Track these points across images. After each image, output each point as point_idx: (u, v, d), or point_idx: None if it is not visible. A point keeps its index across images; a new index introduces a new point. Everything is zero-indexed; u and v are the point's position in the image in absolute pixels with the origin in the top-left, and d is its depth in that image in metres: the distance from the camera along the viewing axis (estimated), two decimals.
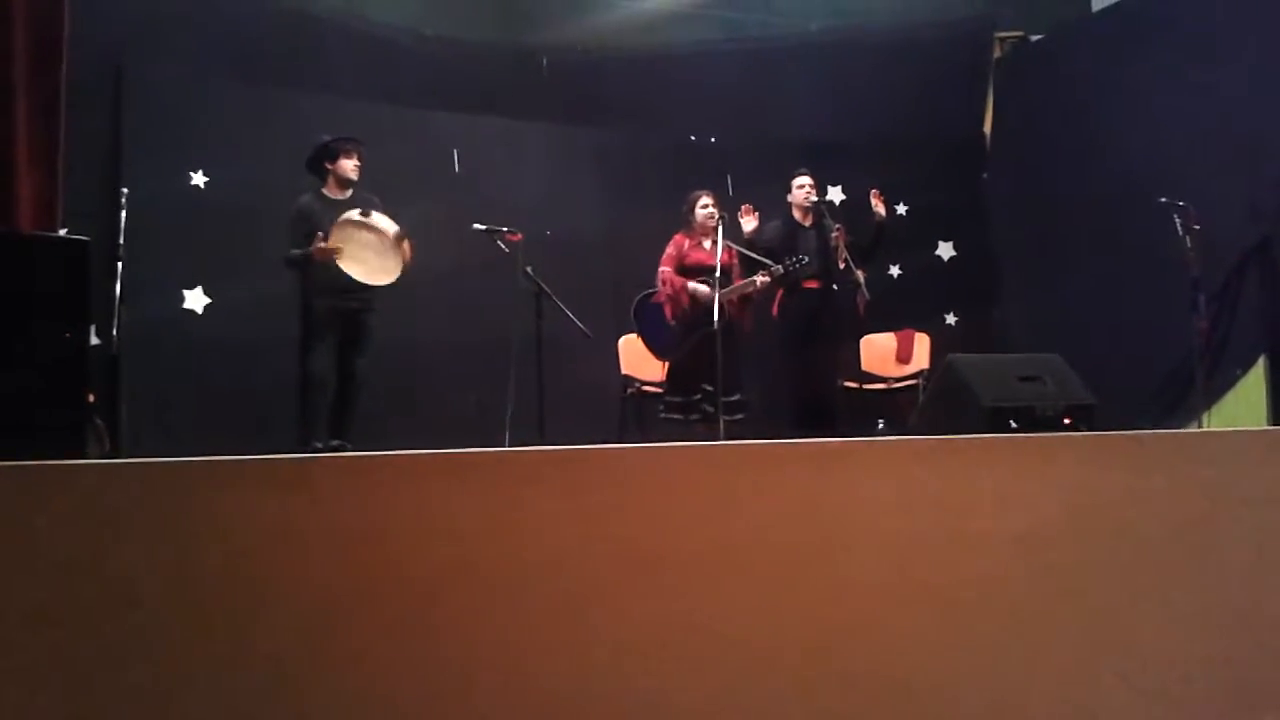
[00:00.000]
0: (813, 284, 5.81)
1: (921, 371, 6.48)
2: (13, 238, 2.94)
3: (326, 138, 5.49)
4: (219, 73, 6.16)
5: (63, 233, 3.30)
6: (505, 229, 5.51)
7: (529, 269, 5.46)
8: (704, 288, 5.61)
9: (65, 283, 2.66)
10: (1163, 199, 5.37)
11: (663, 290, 5.83)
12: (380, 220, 5.35)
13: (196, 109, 6.04)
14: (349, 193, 5.46)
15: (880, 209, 5.90)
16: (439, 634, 2.55)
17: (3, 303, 2.63)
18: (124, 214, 4.40)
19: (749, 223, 5.87)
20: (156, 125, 5.93)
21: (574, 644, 2.64)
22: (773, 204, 6.06)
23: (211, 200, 6.01)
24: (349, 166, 5.46)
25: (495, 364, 5.56)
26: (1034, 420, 3.87)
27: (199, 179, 6.05)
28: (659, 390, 6.03)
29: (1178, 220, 5.32)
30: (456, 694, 2.54)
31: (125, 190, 4.56)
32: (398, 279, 5.32)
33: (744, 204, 5.94)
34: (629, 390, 6.21)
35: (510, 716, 2.47)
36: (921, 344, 6.81)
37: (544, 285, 5.44)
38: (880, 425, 6.35)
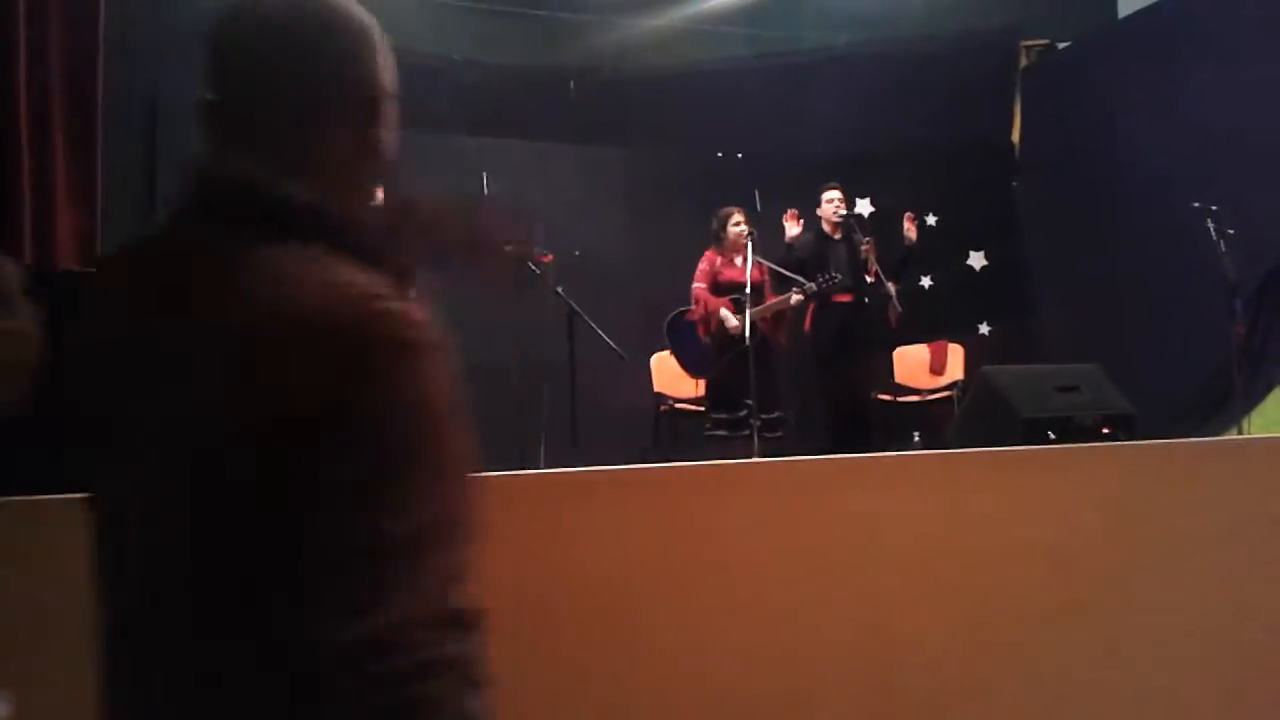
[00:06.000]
0: (844, 298, 5.80)
1: (956, 383, 6.45)
2: (54, 275, 2.98)
3: None
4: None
5: None
6: (537, 249, 5.53)
7: (560, 290, 5.48)
8: (733, 319, 5.60)
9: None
10: (1196, 204, 5.32)
11: (696, 308, 5.83)
12: None
13: None
14: None
15: (912, 233, 5.89)
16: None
17: (44, 341, 2.66)
18: None
19: (792, 228, 5.88)
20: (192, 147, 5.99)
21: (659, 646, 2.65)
22: (803, 219, 6.06)
23: None
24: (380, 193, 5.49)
25: (527, 385, 5.57)
26: (1072, 431, 3.83)
27: None
28: (692, 408, 6.03)
29: (1212, 225, 5.26)
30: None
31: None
32: None
33: (789, 209, 5.94)
34: (662, 408, 6.20)
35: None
36: (955, 355, 6.77)
37: (575, 306, 5.46)
38: (915, 438, 6.32)
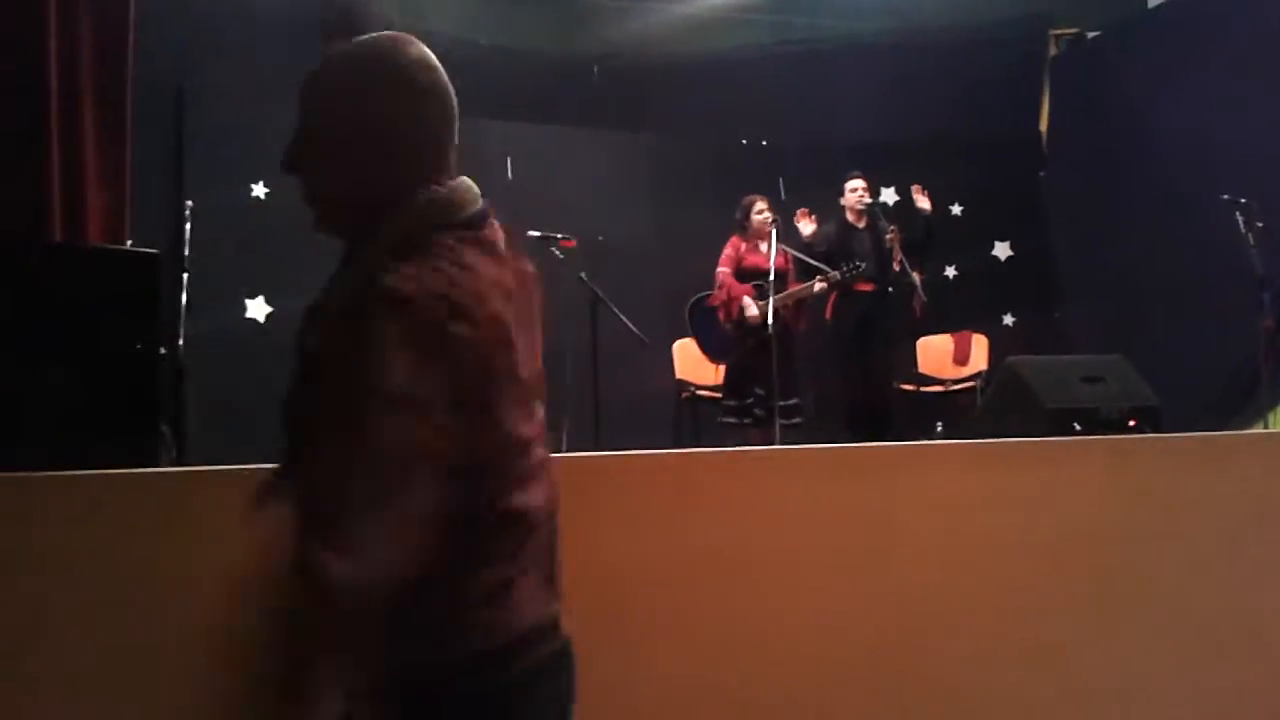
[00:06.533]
0: (867, 287, 5.78)
1: (980, 373, 6.41)
2: (84, 250, 3.01)
3: None
4: (277, 86, 6.24)
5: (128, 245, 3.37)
6: (560, 235, 5.54)
7: (583, 275, 5.48)
8: (754, 307, 5.59)
9: (136, 294, 2.72)
10: (1225, 195, 5.27)
11: (718, 294, 5.83)
12: None
13: (256, 122, 6.14)
14: None
15: (924, 203, 5.87)
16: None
17: (75, 314, 2.70)
18: (188, 226, 4.47)
19: (806, 226, 5.86)
20: (217, 140, 6.04)
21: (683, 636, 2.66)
22: (826, 207, 6.04)
23: (272, 211, 6.10)
24: None
25: (550, 370, 5.57)
26: (1097, 422, 3.81)
27: (259, 190, 6.16)
28: (714, 395, 6.02)
29: (1240, 217, 5.21)
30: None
31: (189, 203, 4.64)
32: None
33: (800, 208, 5.92)
34: (684, 394, 6.21)
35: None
36: (979, 346, 6.74)
37: (599, 291, 5.46)
38: (939, 428, 6.30)
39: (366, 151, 1.40)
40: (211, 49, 6.15)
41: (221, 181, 5.99)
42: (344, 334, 1.27)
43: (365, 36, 1.43)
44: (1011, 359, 4.35)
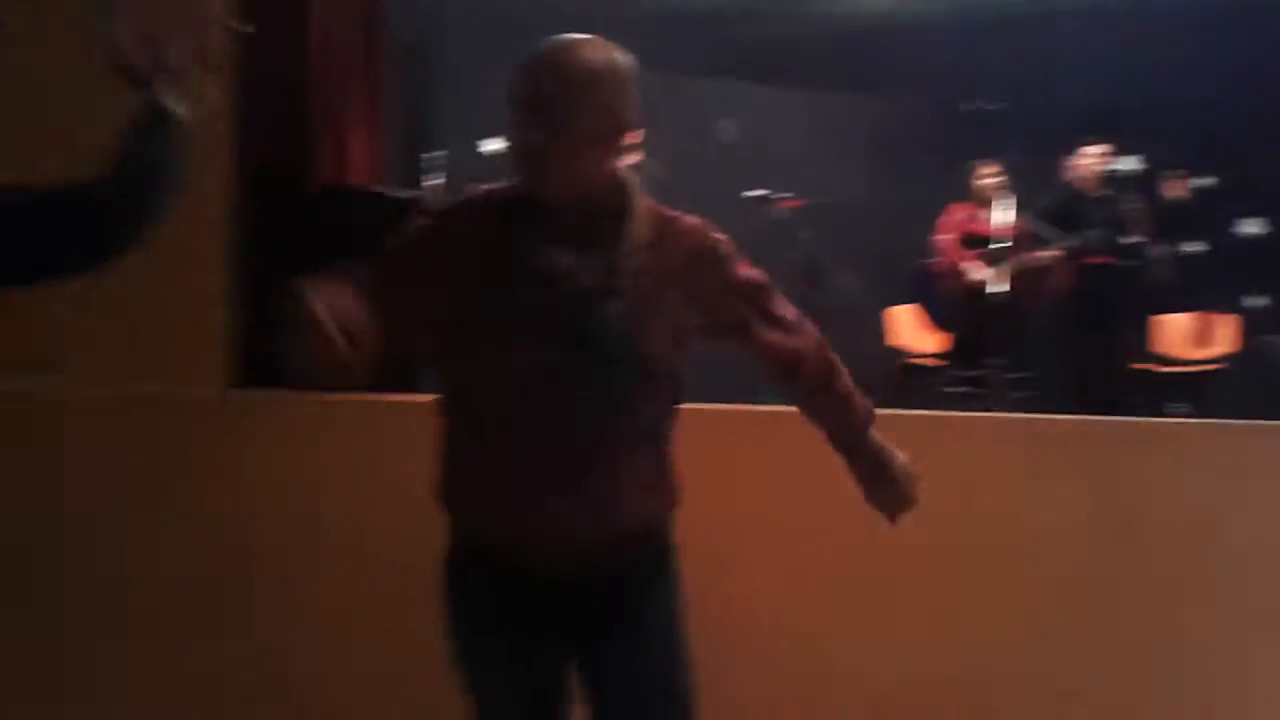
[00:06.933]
0: (1102, 259, 5.50)
1: (1223, 355, 6.01)
2: (351, 191, 3.19)
3: None
4: (513, 44, 6.42)
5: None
6: (780, 196, 5.51)
7: (802, 236, 5.44)
8: (980, 274, 5.42)
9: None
10: None
11: (942, 261, 5.68)
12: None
13: (492, 80, 6.33)
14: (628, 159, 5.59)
15: (1177, 191, 5.53)
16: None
17: (342, 252, 2.85)
18: (429, 180, 4.65)
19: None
20: (453, 96, 6.27)
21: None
22: (1048, 175, 5.77)
23: (503, 168, 6.28)
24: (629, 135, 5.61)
25: None
26: None
27: (490, 146, 6.35)
28: (930, 363, 5.89)
29: None
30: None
31: (429, 156, 4.82)
32: None
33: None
34: (899, 362, 6.09)
35: None
36: (1223, 326, 6.30)
37: (818, 253, 5.41)
38: (1176, 409, 5.94)
39: (621, 141, 1.73)
40: (460, 9, 6.37)
41: (458, 136, 6.21)
42: (720, 264, 1.83)
43: (585, 36, 1.76)
44: (1262, 338, 4.07)
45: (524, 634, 1.79)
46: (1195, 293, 6.31)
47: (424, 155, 4.68)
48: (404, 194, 3.16)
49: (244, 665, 2.71)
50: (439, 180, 4.77)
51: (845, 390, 1.93)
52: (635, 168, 1.82)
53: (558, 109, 1.66)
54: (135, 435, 2.74)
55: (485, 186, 1.87)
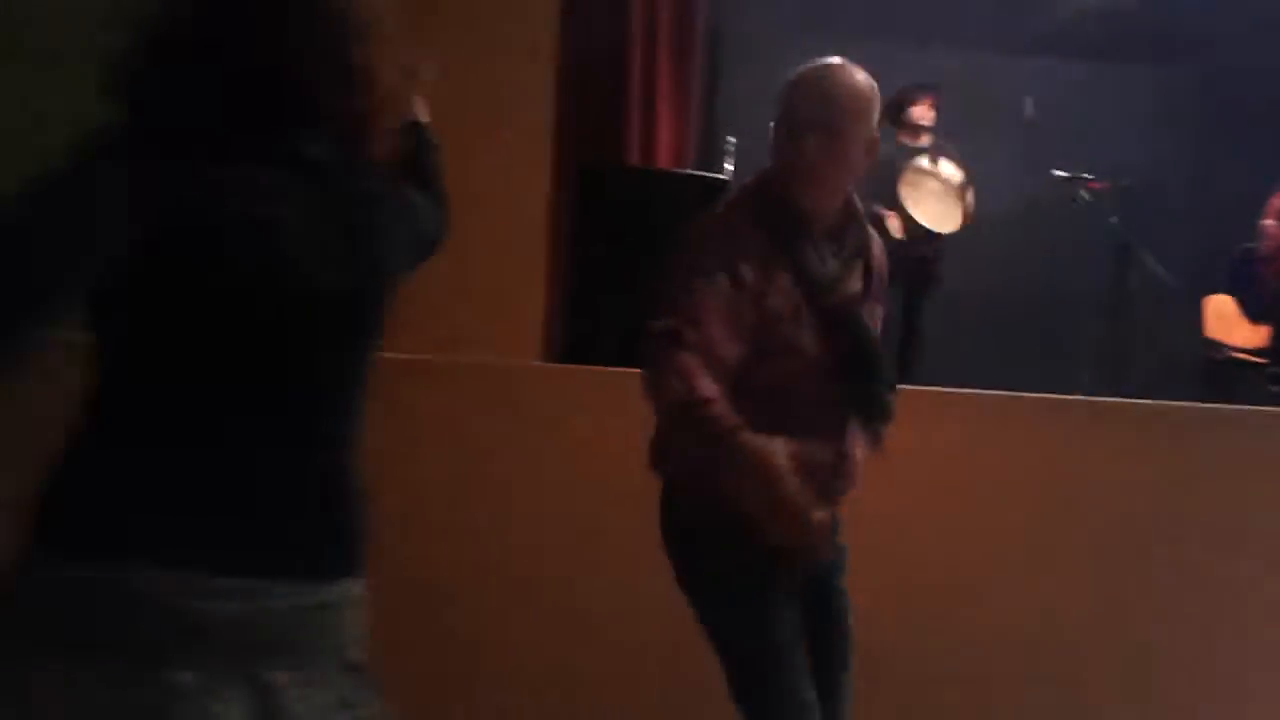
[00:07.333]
0: None
1: None
2: (658, 174, 3.30)
3: (902, 86, 5.55)
4: (804, 25, 6.41)
5: None
6: (1087, 177, 5.24)
7: (1114, 219, 5.15)
8: None
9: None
10: None
11: (1266, 244, 5.21)
12: (946, 168, 5.29)
13: (784, 62, 6.33)
14: (924, 140, 5.48)
15: None
16: None
17: (648, 231, 2.97)
18: (730, 163, 4.71)
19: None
20: (749, 79, 6.30)
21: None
22: None
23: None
24: (920, 113, 5.51)
25: (1071, 318, 5.35)
26: None
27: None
28: (1252, 358, 5.42)
29: None
30: None
31: (732, 140, 4.88)
32: (957, 229, 5.24)
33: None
34: (1214, 354, 5.63)
35: None
36: None
37: (1130, 237, 5.11)
38: None
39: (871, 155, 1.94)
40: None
41: (750, 121, 6.25)
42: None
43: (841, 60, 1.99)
44: None
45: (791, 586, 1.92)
46: None
47: (728, 139, 4.75)
48: (712, 176, 3.21)
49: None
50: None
51: None
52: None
53: (845, 125, 1.84)
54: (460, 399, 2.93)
55: (733, 198, 2.00)
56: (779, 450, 1.56)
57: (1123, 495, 2.94)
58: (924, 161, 5.29)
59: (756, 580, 1.87)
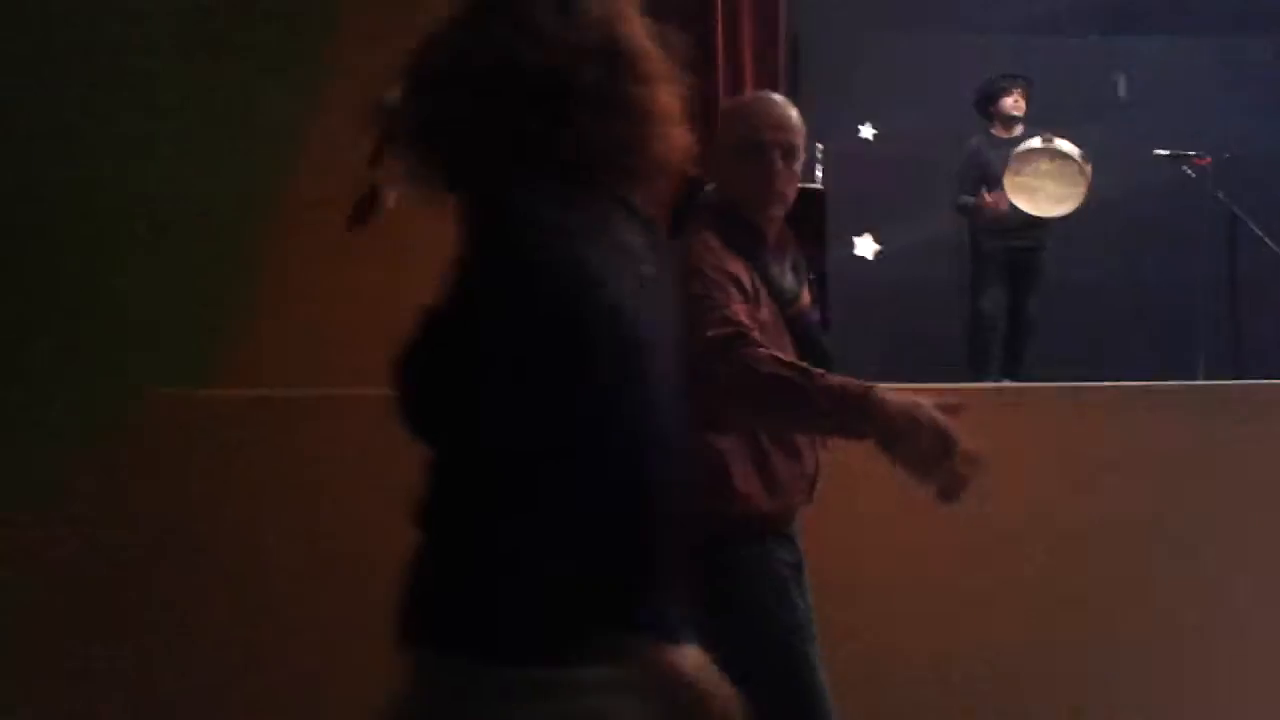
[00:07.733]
0: None
1: None
2: None
3: (990, 78, 5.47)
4: (882, 24, 6.35)
5: None
6: (1192, 153, 5.09)
7: (1221, 194, 4.99)
8: None
9: (805, 225, 2.90)
10: None
11: None
12: (1063, 144, 5.10)
13: (861, 63, 6.28)
14: (1017, 131, 5.39)
15: None
16: None
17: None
18: (820, 169, 4.67)
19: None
20: (827, 82, 6.27)
21: None
22: None
23: (880, 151, 6.22)
24: (1011, 104, 5.42)
25: (1180, 298, 5.18)
26: None
27: (868, 131, 6.29)
28: None
29: None
30: None
31: (819, 146, 4.84)
32: (1077, 207, 5.07)
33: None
34: None
35: None
36: None
37: (1240, 212, 4.95)
38: None
39: None
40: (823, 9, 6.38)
41: (833, 123, 6.20)
42: None
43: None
44: None
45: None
46: None
47: (817, 145, 4.71)
48: (813, 186, 3.20)
49: None
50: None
51: None
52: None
53: (799, 145, 1.96)
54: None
55: (696, 224, 1.98)
56: (919, 399, 1.56)
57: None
58: (1037, 141, 5.08)
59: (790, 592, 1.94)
